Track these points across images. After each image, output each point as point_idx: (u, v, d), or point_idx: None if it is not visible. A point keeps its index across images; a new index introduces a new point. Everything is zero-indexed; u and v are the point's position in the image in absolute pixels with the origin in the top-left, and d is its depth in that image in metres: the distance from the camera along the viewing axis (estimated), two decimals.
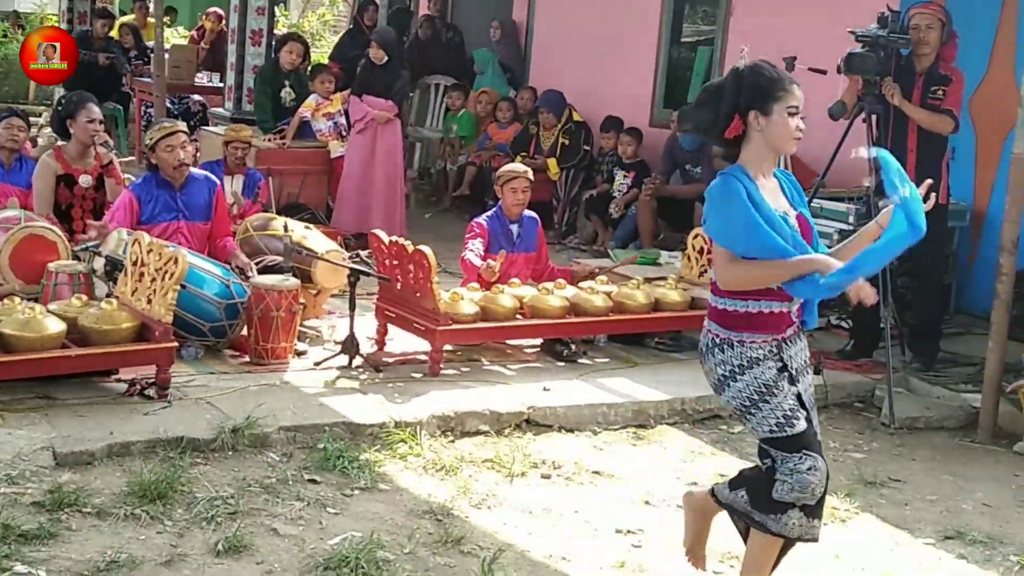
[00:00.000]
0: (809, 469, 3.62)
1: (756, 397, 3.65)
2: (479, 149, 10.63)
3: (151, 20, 13.81)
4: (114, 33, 13.72)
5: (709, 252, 6.89)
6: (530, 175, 6.88)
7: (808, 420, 3.68)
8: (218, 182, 6.60)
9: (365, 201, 8.82)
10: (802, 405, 3.70)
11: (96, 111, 6.91)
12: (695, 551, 4.08)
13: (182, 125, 6.43)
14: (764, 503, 3.70)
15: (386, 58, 8.78)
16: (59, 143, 7.09)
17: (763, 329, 3.66)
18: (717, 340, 3.70)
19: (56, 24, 14.29)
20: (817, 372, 6.20)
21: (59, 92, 13.17)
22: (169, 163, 6.25)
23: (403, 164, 9.34)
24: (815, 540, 3.78)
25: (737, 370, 3.67)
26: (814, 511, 3.70)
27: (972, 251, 7.78)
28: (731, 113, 3.61)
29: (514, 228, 6.80)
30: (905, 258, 6.75)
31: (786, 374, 3.68)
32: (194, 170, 6.50)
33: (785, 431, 3.63)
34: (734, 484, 3.86)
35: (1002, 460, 5.62)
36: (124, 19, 14.97)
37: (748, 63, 3.71)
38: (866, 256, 3.50)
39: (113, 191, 6.72)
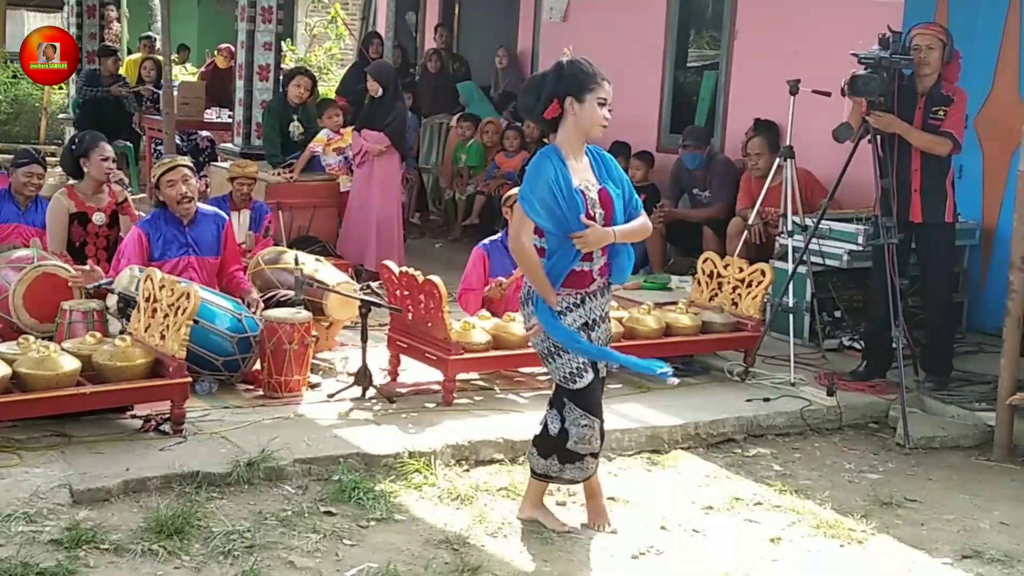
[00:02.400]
0: (586, 426, 4.46)
1: (554, 349, 4.42)
2: (487, 178, 10.69)
3: (159, 57, 13.91)
4: (123, 71, 13.83)
5: (719, 276, 6.91)
6: None
7: (595, 376, 4.48)
8: (227, 217, 6.64)
9: (363, 233, 8.87)
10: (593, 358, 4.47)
11: (109, 149, 6.98)
12: (546, 519, 4.71)
13: (183, 159, 6.46)
14: (562, 454, 4.53)
15: (381, 91, 8.84)
16: (71, 181, 7.15)
17: (569, 284, 4.40)
18: (531, 291, 4.42)
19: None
20: (831, 393, 6.25)
21: (69, 132, 13.30)
22: (172, 198, 6.30)
23: (401, 196, 9.39)
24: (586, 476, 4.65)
25: (528, 327, 4.46)
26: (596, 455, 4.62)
27: (983, 269, 7.77)
28: (551, 97, 4.28)
29: None
30: (914, 277, 6.81)
31: (585, 329, 4.43)
32: (202, 206, 6.54)
33: (570, 384, 4.44)
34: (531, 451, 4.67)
35: (1018, 478, 5.60)
36: (132, 57, 15.09)
37: (570, 58, 4.35)
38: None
39: (127, 228, 6.77)
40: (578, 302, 4.45)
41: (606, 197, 4.40)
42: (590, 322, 4.48)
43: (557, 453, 4.55)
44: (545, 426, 4.59)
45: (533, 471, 4.67)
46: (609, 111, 4.34)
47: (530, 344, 4.60)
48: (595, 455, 4.61)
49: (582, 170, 4.38)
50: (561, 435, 4.51)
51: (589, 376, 4.47)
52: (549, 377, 6.29)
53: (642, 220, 4.51)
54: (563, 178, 4.28)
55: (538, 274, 4.35)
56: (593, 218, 4.34)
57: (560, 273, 4.36)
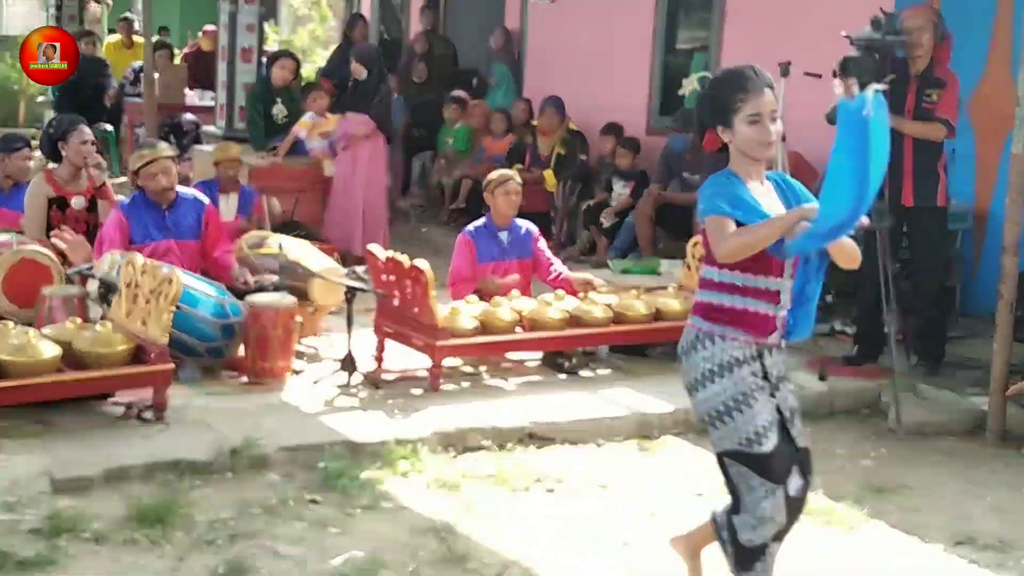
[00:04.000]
0: (765, 496, 3.59)
1: (732, 404, 3.59)
2: (474, 162, 10.62)
3: (138, 40, 13.79)
4: (104, 53, 13.71)
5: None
6: (519, 179, 6.86)
7: (780, 438, 3.62)
8: (207, 201, 6.57)
9: (349, 218, 8.81)
10: (781, 419, 3.66)
11: (88, 132, 6.90)
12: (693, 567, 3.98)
13: (163, 150, 6.33)
14: (743, 558, 3.69)
15: (366, 73, 8.78)
16: (50, 165, 7.06)
17: (747, 328, 3.62)
18: (700, 335, 3.66)
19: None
20: (822, 379, 6.21)
21: (48, 115, 13.17)
22: (152, 190, 6.23)
23: (387, 179, 9.35)
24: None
25: (716, 370, 3.61)
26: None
27: (975, 253, 7.75)
28: (702, 131, 3.67)
29: (503, 235, 6.75)
30: (906, 261, 6.77)
31: (767, 384, 3.63)
32: (183, 189, 6.48)
33: (752, 448, 3.58)
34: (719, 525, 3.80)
35: (1011, 463, 5.58)
36: (112, 39, 14.96)
37: (713, 75, 3.75)
38: (828, 192, 3.38)
39: (107, 212, 6.69)
40: (755, 355, 3.63)
41: None
42: (772, 379, 3.65)
43: (733, 550, 3.72)
44: (732, 531, 3.70)
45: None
46: (773, 119, 3.58)
47: (694, 403, 3.75)
48: (779, 539, 3.73)
49: (765, 193, 3.64)
50: (731, 527, 3.70)
51: (774, 439, 3.60)
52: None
53: (852, 243, 3.68)
54: (747, 192, 3.57)
55: (764, 226, 3.46)
56: None
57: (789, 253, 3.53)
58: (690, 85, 3.92)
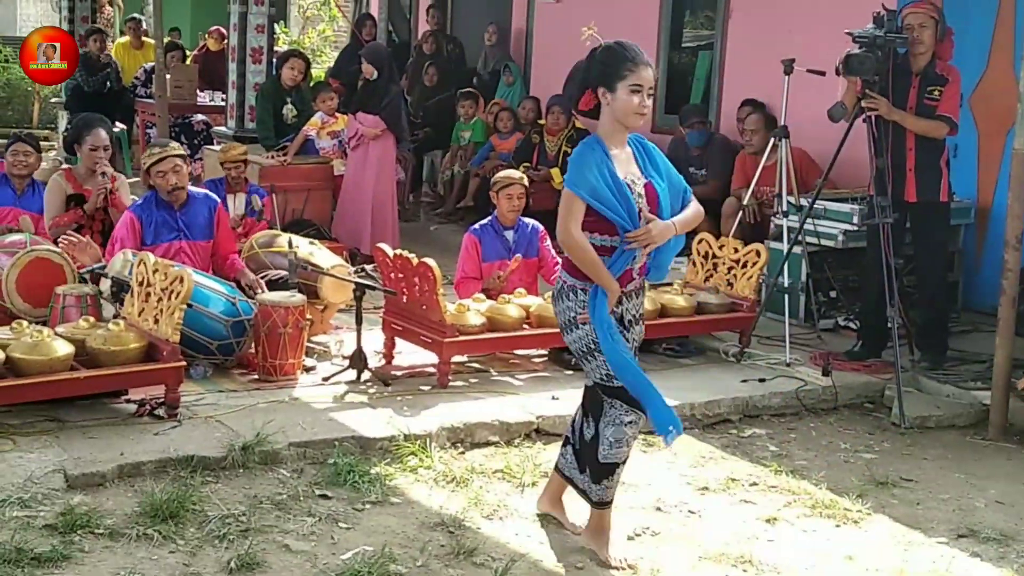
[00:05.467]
0: (629, 423, 4.15)
1: (593, 346, 4.08)
2: (481, 160, 10.66)
3: (148, 41, 13.83)
4: (113, 54, 13.75)
5: (714, 257, 6.89)
6: (525, 181, 6.90)
7: None
8: (218, 200, 6.60)
9: (358, 216, 8.86)
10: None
11: (102, 137, 6.92)
12: (561, 517, 4.51)
13: (174, 149, 6.35)
14: (594, 468, 4.22)
15: (376, 73, 8.82)
16: (65, 165, 7.14)
17: None
18: (565, 287, 4.15)
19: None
20: (826, 373, 6.25)
21: (63, 116, 13.24)
22: (163, 188, 6.28)
23: (396, 178, 9.39)
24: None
25: (580, 318, 4.10)
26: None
27: (978, 248, 7.77)
28: (583, 88, 4.07)
29: (509, 235, 6.80)
30: (909, 257, 6.81)
31: (621, 326, 4.12)
32: (194, 189, 6.51)
33: (614, 381, 4.09)
34: (564, 448, 4.43)
35: (1014, 457, 5.61)
36: (121, 40, 15.01)
37: (604, 43, 4.06)
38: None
39: (117, 218, 6.73)
40: (615, 302, 4.13)
41: (652, 192, 4.10)
42: (625, 323, 4.17)
43: (589, 466, 4.27)
44: (581, 435, 4.32)
45: (565, 475, 4.43)
46: (649, 95, 4.01)
47: (567, 341, 4.21)
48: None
49: (625, 161, 4.10)
50: (593, 441, 4.23)
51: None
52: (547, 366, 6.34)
53: (695, 207, 4.23)
54: (608, 169, 4.00)
55: (596, 265, 4.02)
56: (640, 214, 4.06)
57: (620, 270, 4.08)
58: (588, 32, 4.19)
